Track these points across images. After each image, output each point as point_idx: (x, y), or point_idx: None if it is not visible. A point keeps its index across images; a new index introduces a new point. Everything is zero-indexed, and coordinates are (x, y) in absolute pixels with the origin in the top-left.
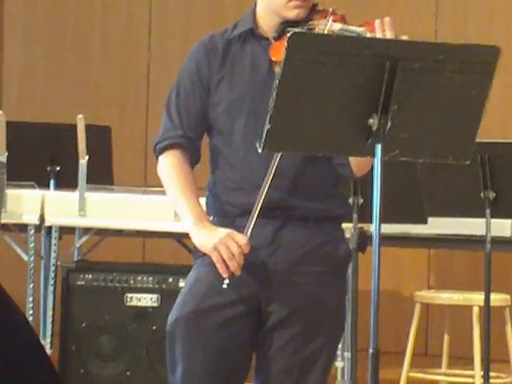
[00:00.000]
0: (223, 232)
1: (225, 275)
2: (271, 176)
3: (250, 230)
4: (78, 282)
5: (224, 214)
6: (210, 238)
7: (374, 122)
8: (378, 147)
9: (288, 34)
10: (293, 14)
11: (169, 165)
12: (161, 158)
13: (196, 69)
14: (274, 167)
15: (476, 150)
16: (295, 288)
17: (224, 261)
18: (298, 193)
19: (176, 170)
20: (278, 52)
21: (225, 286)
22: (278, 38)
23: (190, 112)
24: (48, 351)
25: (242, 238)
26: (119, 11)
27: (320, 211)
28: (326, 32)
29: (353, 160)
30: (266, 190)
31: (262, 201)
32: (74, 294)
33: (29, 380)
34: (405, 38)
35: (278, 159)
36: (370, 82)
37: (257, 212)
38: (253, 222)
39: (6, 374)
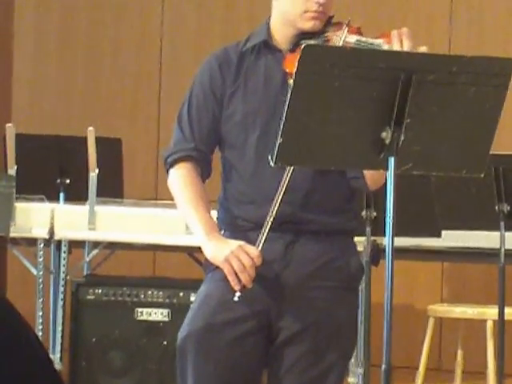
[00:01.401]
0: (235, 244)
1: (236, 288)
2: (283, 190)
3: (261, 243)
4: (88, 297)
5: (235, 228)
6: (221, 250)
7: (387, 135)
8: (391, 160)
9: (301, 47)
10: (309, 25)
11: (180, 177)
12: (172, 170)
13: (209, 81)
14: (286, 181)
15: (490, 163)
16: (307, 303)
17: (235, 273)
18: (310, 207)
19: (187, 182)
20: (292, 64)
21: (236, 298)
22: (293, 49)
23: (202, 125)
24: (57, 366)
25: (254, 250)
26: (131, 24)
27: (332, 225)
28: (341, 44)
29: (367, 173)
30: (278, 203)
31: (273, 214)
32: (83, 309)
33: None
34: (423, 48)
35: (290, 173)
36: (384, 94)
37: (269, 225)
38: (265, 235)
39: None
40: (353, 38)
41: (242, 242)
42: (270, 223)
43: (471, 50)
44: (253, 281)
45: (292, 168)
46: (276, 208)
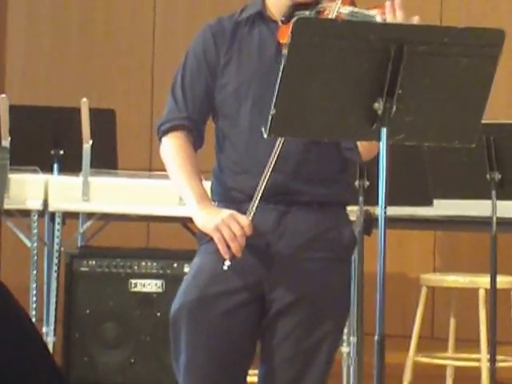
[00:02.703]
0: (226, 213)
1: (226, 256)
2: (274, 160)
3: (252, 212)
4: (82, 269)
5: (229, 199)
6: (212, 218)
7: (379, 106)
8: (384, 131)
9: (293, 20)
10: None
11: (172, 146)
12: (164, 139)
13: (203, 51)
14: (278, 151)
15: (481, 132)
16: (299, 274)
17: (226, 242)
18: (303, 177)
19: (179, 151)
20: (286, 35)
21: (225, 267)
22: (287, 21)
23: (195, 94)
24: (51, 338)
25: (245, 220)
26: None
27: (325, 196)
28: (334, 15)
29: (360, 144)
30: (268, 173)
31: (264, 184)
32: (77, 281)
33: (31, 379)
34: (415, 18)
35: (281, 143)
36: (376, 66)
37: (259, 195)
38: (255, 205)
39: (8, 373)
40: (346, 10)
41: (233, 211)
42: (260, 193)
43: (462, 24)
44: (243, 251)
45: (283, 138)
46: (267, 178)
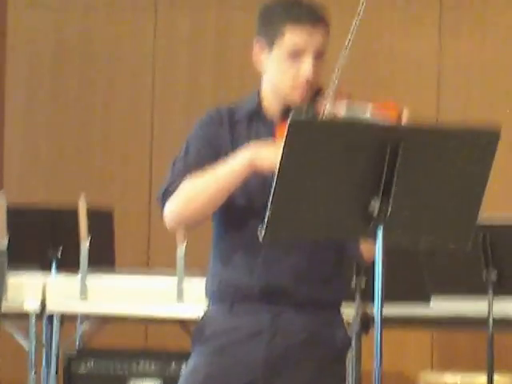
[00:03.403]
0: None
1: None
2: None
3: None
4: (80, 371)
5: (223, 297)
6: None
7: (375, 205)
8: (380, 230)
9: (288, 121)
10: (298, 99)
11: (184, 185)
12: (172, 198)
13: (208, 132)
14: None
15: (478, 230)
16: (294, 375)
17: None
18: (297, 278)
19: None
20: (282, 134)
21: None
22: (283, 120)
23: (200, 166)
24: None
25: None
26: (122, 91)
27: (319, 297)
28: (328, 112)
29: (364, 248)
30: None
31: None
32: (76, 383)
33: None
34: (405, 111)
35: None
36: (371, 165)
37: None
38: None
39: None
40: (343, 107)
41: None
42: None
43: (458, 119)
44: (238, 352)
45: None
46: None
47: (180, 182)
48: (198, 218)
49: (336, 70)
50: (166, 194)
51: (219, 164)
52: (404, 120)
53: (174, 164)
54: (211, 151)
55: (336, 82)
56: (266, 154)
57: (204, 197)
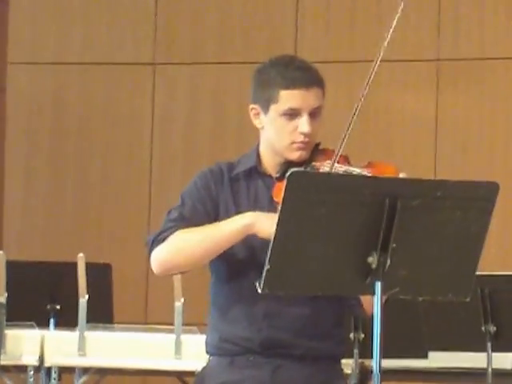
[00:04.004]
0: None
1: None
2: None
3: None
4: None
5: (223, 351)
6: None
7: (373, 259)
8: (378, 285)
9: (287, 174)
10: (295, 155)
11: (173, 236)
12: (161, 245)
13: (204, 188)
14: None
15: (476, 283)
16: None
17: None
18: (298, 332)
19: (185, 231)
20: (281, 192)
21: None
22: (281, 178)
23: (194, 220)
24: None
25: None
26: (120, 148)
27: (319, 350)
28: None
29: (364, 299)
30: None
31: None
32: None
33: None
34: (402, 174)
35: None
36: (370, 219)
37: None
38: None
39: None
40: (341, 169)
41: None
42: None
43: (456, 173)
44: None
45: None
46: None
47: (171, 232)
48: (185, 268)
49: (343, 136)
50: (156, 240)
51: (217, 222)
52: None
53: (168, 213)
54: (207, 205)
55: (340, 149)
56: (265, 223)
57: (196, 250)
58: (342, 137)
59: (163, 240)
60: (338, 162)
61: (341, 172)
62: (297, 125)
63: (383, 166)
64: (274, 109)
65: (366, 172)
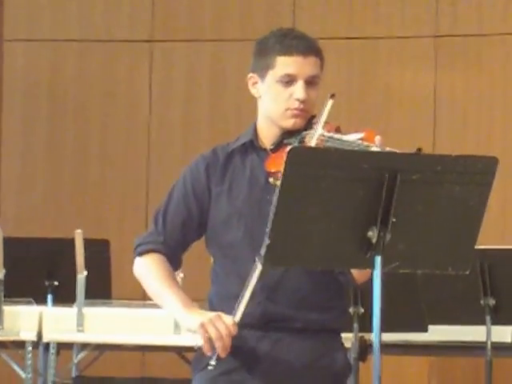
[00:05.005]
0: (212, 313)
1: (209, 354)
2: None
3: (239, 314)
4: None
5: None
6: (198, 317)
7: (373, 234)
8: (378, 259)
9: (287, 149)
10: (290, 123)
11: (147, 263)
12: (138, 259)
13: (192, 181)
14: (252, 282)
15: (475, 257)
16: None
17: (211, 341)
18: (296, 305)
19: (155, 265)
20: (274, 163)
21: (211, 367)
22: (275, 149)
23: (176, 220)
24: None
25: (230, 319)
26: (117, 126)
27: (318, 323)
28: (314, 142)
29: (354, 269)
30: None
31: (250, 289)
32: None
33: None
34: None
35: (257, 276)
36: (370, 194)
37: (246, 297)
38: (242, 306)
39: None
40: (327, 135)
41: (219, 313)
42: (247, 295)
43: (455, 151)
44: (238, 379)
45: (259, 271)
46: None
47: (147, 251)
48: None
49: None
50: (138, 250)
51: (176, 290)
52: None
53: (156, 212)
54: (191, 201)
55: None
56: (188, 321)
57: (149, 293)
58: (324, 105)
59: (140, 254)
60: (328, 131)
61: (326, 137)
62: (292, 91)
63: (368, 131)
64: (271, 75)
65: (354, 136)
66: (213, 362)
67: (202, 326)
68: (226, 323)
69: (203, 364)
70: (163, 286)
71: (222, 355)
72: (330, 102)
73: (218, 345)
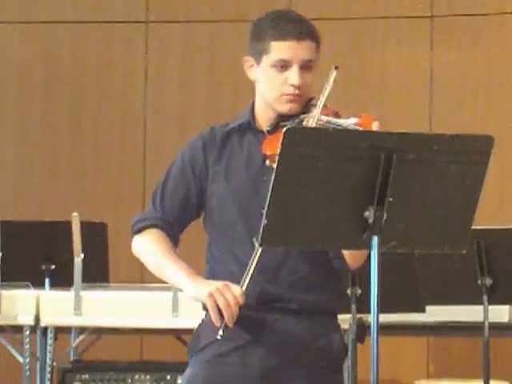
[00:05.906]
0: (219, 282)
1: (217, 324)
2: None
3: (245, 284)
4: (75, 383)
5: None
6: (205, 286)
7: (369, 214)
8: (375, 239)
9: (283, 130)
10: (285, 108)
11: (146, 238)
12: (136, 237)
13: (190, 161)
14: (255, 261)
15: (472, 237)
16: (291, 383)
17: (219, 309)
18: (293, 286)
19: (155, 239)
20: (270, 146)
21: (219, 337)
22: (271, 132)
23: (175, 198)
24: None
25: (238, 289)
26: (114, 107)
27: (314, 304)
28: (313, 124)
29: (346, 253)
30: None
31: (255, 261)
32: None
33: None
34: None
35: (258, 254)
36: (366, 174)
37: (253, 266)
38: (248, 277)
39: None
40: (324, 119)
41: (227, 282)
42: (253, 265)
43: (451, 130)
44: (235, 360)
45: (259, 250)
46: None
47: (145, 227)
48: None
49: (324, 88)
50: (136, 228)
51: (177, 260)
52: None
53: (154, 191)
54: (189, 179)
55: (323, 98)
56: (194, 290)
57: (149, 267)
58: (323, 89)
59: (139, 231)
60: (326, 115)
61: (323, 123)
62: (287, 77)
63: (365, 116)
64: (266, 60)
65: (350, 121)
66: (221, 332)
67: (211, 295)
68: (235, 293)
69: (200, 345)
70: (165, 258)
71: (230, 324)
72: (334, 74)
73: (225, 313)
